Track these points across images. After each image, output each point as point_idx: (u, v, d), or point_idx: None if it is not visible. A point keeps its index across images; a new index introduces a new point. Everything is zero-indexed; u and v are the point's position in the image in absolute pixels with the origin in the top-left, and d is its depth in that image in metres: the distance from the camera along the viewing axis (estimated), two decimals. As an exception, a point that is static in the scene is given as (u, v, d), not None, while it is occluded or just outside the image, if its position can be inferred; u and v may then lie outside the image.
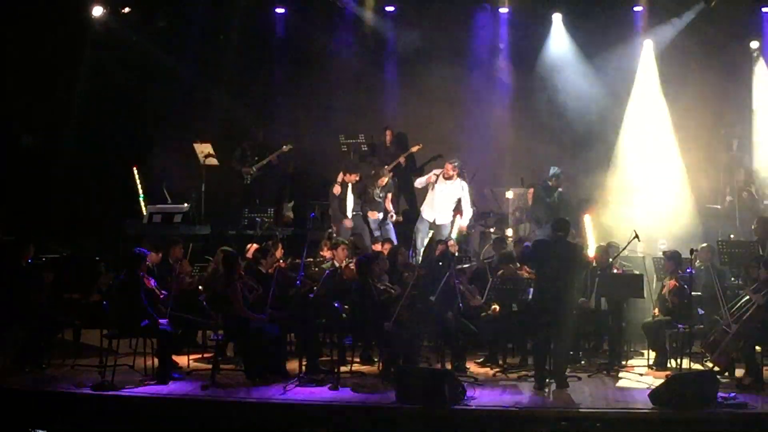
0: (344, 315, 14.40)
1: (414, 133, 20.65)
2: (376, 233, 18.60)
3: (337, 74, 21.05)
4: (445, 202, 18.66)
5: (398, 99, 21.03)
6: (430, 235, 18.66)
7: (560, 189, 19.03)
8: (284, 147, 20.37)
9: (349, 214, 18.77)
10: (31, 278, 14.86)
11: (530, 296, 14.29)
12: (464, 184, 18.74)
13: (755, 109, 20.10)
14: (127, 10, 20.46)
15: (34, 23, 19.54)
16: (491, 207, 20.24)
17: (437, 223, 18.67)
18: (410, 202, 20.43)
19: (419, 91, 20.60)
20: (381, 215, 18.89)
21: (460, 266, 15.90)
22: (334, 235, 17.77)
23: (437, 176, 18.82)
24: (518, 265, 15.44)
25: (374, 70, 21.14)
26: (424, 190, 19.05)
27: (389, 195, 19.06)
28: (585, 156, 19.55)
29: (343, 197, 18.78)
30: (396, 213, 19.26)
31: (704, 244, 15.97)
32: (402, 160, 20.03)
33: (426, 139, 20.45)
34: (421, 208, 19.01)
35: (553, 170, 19.11)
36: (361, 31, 21.12)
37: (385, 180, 19.01)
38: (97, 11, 20.24)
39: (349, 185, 18.78)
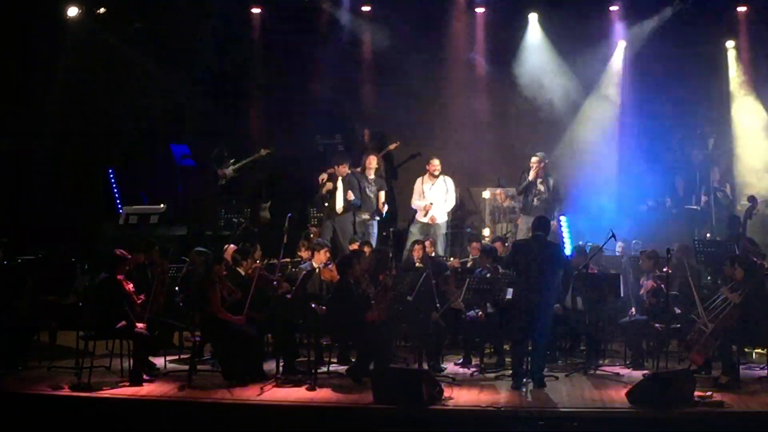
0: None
1: (391, 132, 20.69)
2: (359, 235, 18.46)
3: (313, 74, 20.98)
4: (437, 202, 18.65)
5: (375, 98, 20.99)
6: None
7: (529, 178, 18.80)
8: (262, 151, 20.33)
9: (339, 208, 18.59)
10: (6, 280, 14.81)
11: (508, 296, 14.28)
12: (448, 178, 18.77)
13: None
14: (102, 10, 20.34)
15: (7, 23, 19.43)
16: (468, 207, 20.24)
17: (432, 223, 18.65)
18: (390, 204, 20.31)
19: (396, 91, 20.60)
20: (367, 216, 18.76)
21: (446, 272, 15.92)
22: (312, 235, 17.72)
23: (422, 179, 18.81)
24: (496, 266, 15.46)
25: (351, 69, 21.07)
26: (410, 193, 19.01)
27: (381, 194, 18.95)
28: (561, 156, 19.56)
29: (333, 190, 18.67)
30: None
31: (681, 244, 16.02)
32: (382, 153, 20.01)
33: (403, 138, 20.50)
34: (416, 213, 18.92)
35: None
36: (337, 31, 21.01)
37: (374, 161, 18.91)
38: (73, 11, 20.13)
39: (339, 179, 18.66)
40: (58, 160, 20.37)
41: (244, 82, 21.18)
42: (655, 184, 19.49)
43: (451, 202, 18.84)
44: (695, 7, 19.60)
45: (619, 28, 20.28)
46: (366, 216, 18.67)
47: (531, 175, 18.67)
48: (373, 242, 17.89)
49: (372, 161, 18.91)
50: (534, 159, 18.63)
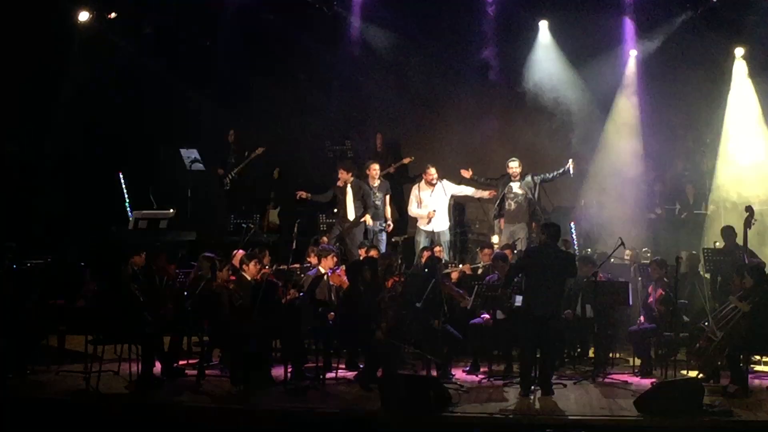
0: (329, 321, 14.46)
1: (400, 140, 20.78)
2: (368, 241, 18.48)
3: (324, 80, 21.02)
4: (438, 209, 18.63)
5: (385, 105, 21.00)
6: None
7: (513, 182, 18.68)
8: (258, 150, 20.41)
9: (351, 215, 18.65)
10: (15, 284, 14.84)
11: (517, 303, 14.25)
12: (445, 183, 18.76)
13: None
14: (113, 15, 20.39)
15: (18, 27, 19.44)
16: (477, 214, 20.22)
17: (436, 231, 18.61)
18: (400, 211, 20.32)
19: (406, 98, 20.67)
20: (378, 223, 18.79)
21: (446, 270, 16.00)
22: (325, 239, 17.75)
23: (418, 187, 18.81)
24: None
25: (362, 75, 21.06)
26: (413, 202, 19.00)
27: (387, 198, 18.98)
28: (571, 163, 19.53)
29: (344, 197, 18.68)
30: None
31: (689, 252, 16.00)
32: (392, 169, 20.05)
33: (413, 146, 20.55)
34: (417, 221, 18.92)
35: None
36: (349, 37, 21.01)
37: (375, 169, 18.93)
38: (84, 16, 20.17)
39: (349, 186, 18.66)
40: (67, 164, 20.37)
41: (254, 87, 21.14)
42: (664, 192, 19.46)
43: (467, 191, 18.97)
44: (706, 16, 19.58)
45: (629, 36, 20.24)
46: (377, 224, 18.69)
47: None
48: (382, 249, 17.88)
49: (373, 170, 18.91)
50: (513, 164, 18.58)
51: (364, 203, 18.58)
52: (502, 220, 18.84)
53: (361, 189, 18.62)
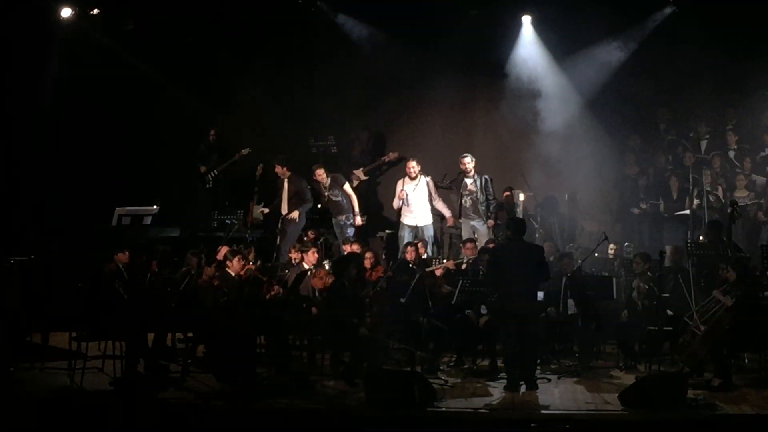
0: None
1: (385, 135, 20.84)
2: (340, 237, 18.51)
3: (306, 75, 21.01)
4: (421, 203, 18.63)
5: (368, 101, 20.98)
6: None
7: (467, 179, 18.67)
8: (243, 151, 20.36)
9: (284, 209, 18.59)
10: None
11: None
12: (428, 180, 18.76)
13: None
14: (95, 11, 20.33)
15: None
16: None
17: (419, 225, 18.63)
18: (376, 206, 20.33)
19: (388, 93, 20.67)
20: (343, 218, 18.82)
21: (430, 268, 16.01)
22: (306, 238, 17.71)
23: (403, 181, 18.81)
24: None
25: (344, 70, 21.02)
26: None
27: (347, 188, 18.95)
28: (555, 160, 19.56)
29: (281, 191, 18.70)
30: (361, 215, 19.12)
31: (673, 246, 16.03)
32: (378, 163, 20.04)
33: (396, 141, 20.58)
34: (401, 216, 18.93)
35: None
36: (329, 31, 20.96)
37: (322, 173, 18.88)
38: (66, 12, 20.11)
39: (285, 180, 18.68)
40: (49, 161, 20.31)
41: (239, 83, 21.08)
42: (648, 187, 19.47)
43: (444, 207, 18.88)
44: (688, 9, 19.60)
45: (612, 30, 20.23)
46: (341, 218, 18.71)
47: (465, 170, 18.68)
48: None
49: (319, 175, 18.85)
50: (466, 160, 18.57)
51: (301, 198, 18.56)
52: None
53: (299, 183, 18.60)
